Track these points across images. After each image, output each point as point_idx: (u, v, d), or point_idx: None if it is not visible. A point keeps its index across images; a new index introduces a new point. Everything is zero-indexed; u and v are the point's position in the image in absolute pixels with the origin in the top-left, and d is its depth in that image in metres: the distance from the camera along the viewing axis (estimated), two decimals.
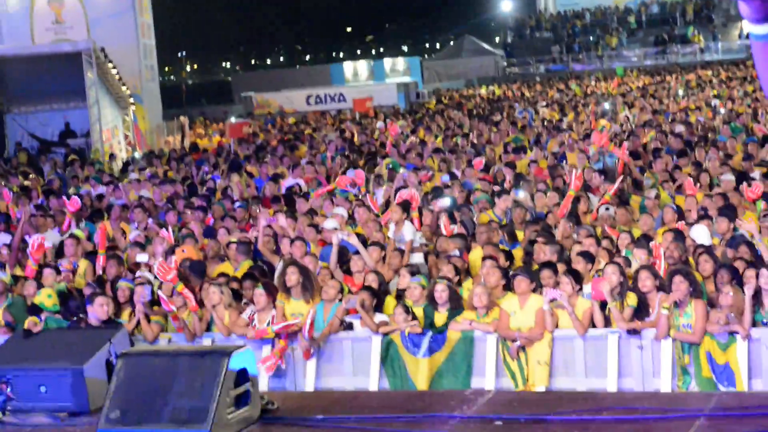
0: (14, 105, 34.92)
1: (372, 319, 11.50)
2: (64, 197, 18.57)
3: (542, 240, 13.25)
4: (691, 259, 12.34)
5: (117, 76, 33.77)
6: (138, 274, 13.49)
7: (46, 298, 12.10)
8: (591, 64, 69.79)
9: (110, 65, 32.93)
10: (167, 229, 15.40)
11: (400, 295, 12.23)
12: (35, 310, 11.92)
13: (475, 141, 26.64)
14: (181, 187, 21.53)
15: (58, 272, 13.75)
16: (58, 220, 17.89)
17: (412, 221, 14.76)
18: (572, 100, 41.96)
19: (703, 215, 14.25)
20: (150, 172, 24.70)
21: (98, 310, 11.42)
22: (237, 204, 18.28)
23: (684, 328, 10.47)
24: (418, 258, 13.96)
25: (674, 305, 10.49)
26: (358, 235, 14.28)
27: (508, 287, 11.85)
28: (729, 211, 14.05)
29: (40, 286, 12.93)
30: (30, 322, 10.28)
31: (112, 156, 31.80)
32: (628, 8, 76.45)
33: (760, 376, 10.39)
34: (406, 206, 15.04)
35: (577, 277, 11.22)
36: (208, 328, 12.13)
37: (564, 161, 20.88)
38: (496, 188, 17.59)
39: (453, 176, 19.84)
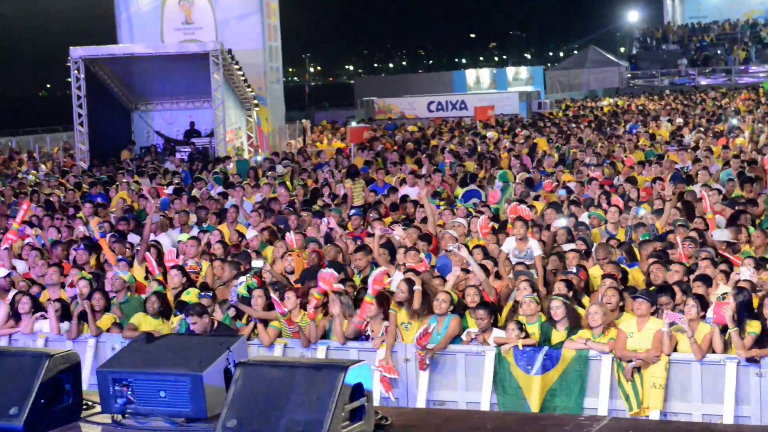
0: (142, 102, 35.66)
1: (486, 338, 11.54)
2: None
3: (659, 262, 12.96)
4: None
5: (243, 78, 34.19)
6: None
7: (195, 297, 12.45)
8: (718, 79, 68.62)
9: (236, 67, 33.35)
10: (290, 233, 15.53)
11: (515, 308, 12.17)
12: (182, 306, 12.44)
13: (599, 152, 26.20)
14: (301, 191, 21.66)
15: (185, 273, 13.98)
16: (181, 219, 18.17)
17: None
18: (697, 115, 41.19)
19: None
20: (272, 175, 24.82)
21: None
22: (353, 211, 18.30)
23: None
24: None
25: None
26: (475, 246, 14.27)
27: (623, 307, 11.74)
28: None
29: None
30: None
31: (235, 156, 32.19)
32: (757, 21, 74.99)
33: None
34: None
35: (702, 302, 11.04)
36: (325, 335, 12.26)
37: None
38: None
39: (569, 191, 19.52)
